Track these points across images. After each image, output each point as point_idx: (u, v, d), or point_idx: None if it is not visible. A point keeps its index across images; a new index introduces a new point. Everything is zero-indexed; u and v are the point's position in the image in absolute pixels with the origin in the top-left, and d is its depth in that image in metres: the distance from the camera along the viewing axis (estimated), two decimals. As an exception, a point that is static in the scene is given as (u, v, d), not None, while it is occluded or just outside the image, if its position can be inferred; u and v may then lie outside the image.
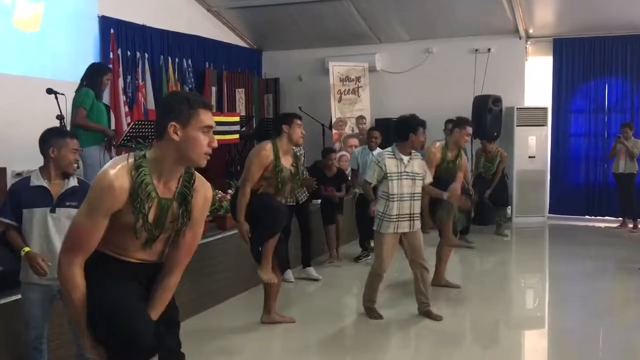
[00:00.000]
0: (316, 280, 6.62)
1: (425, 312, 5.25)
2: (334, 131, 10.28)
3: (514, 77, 10.23)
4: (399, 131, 5.14)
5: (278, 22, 10.67)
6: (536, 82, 10.37)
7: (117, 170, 2.27)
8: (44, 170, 3.49)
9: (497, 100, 9.67)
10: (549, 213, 10.21)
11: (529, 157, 9.97)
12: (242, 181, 4.76)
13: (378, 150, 7.06)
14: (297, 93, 11.00)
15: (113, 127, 7.20)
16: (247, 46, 11.45)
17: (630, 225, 9.36)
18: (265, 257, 4.84)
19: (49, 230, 3.41)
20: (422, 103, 9.67)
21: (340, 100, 10.44)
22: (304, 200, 6.67)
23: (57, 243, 3.34)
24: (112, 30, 8.08)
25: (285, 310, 5.38)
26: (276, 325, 5.13)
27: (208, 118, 2.33)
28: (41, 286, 3.44)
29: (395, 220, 5.04)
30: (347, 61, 10.65)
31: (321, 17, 10.34)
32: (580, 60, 10.11)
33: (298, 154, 5.31)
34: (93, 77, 6.05)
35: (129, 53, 8.41)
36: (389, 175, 5.01)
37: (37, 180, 3.46)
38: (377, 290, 5.31)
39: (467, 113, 8.66)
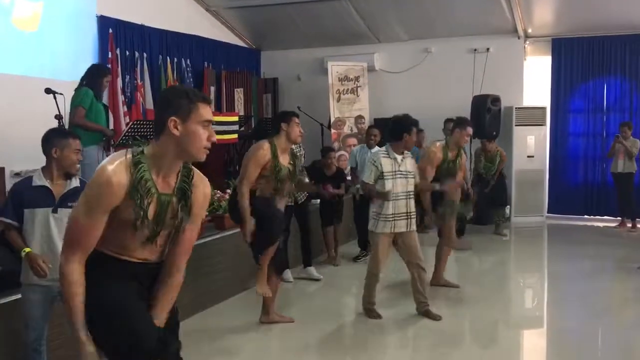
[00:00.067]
0: (317, 280, 6.62)
1: (424, 312, 5.26)
2: (332, 131, 10.28)
3: (513, 76, 10.24)
4: (393, 131, 5.18)
5: (277, 22, 10.66)
6: (535, 82, 10.36)
7: (115, 166, 2.26)
8: (46, 170, 3.49)
9: (496, 99, 9.68)
10: (548, 213, 10.22)
11: (528, 156, 9.97)
12: (240, 180, 4.75)
13: (376, 148, 7.06)
14: (296, 93, 10.99)
15: (111, 127, 7.20)
16: (245, 46, 11.44)
17: (629, 225, 9.36)
18: (262, 269, 4.85)
19: (51, 230, 3.41)
20: (420, 103, 9.68)
21: (339, 99, 10.44)
22: (302, 200, 6.68)
23: (59, 243, 3.33)
24: (110, 30, 8.07)
25: (284, 310, 5.38)
26: (275, 325, 5.14)
27: (207, 112, 2.34)
28: (41, 287, 3.43)
29: (391, 219, 5.05)
30: (345, 61, 10.66)
31: (320, 17, 10.33)
32: (579, 59, 10.12)
33: (298, 154, 5.31)
34: (93, 77, 6.05)
35: (127, 53, 8.41)
36: (384, 174, 5.03)
37: (39, 180, 3.46)
38: (375, 290, 5.32)
39: (466, 113, 8.67)
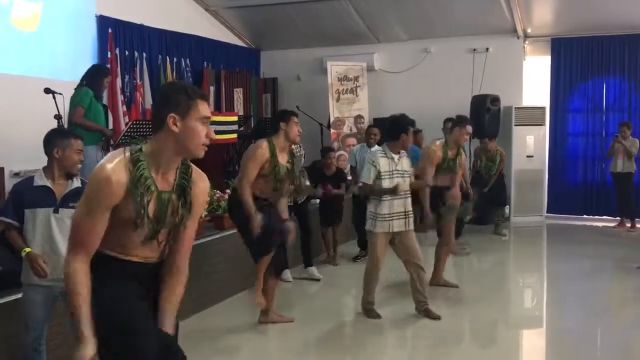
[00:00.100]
0: (318, 280, 6.62)
1: (424, 311, 5.26)
2: (332, 131, 10.28)
3: (512, 76, 10.24)
4: (390, 131, 5.20)
5: (276, 22, 10.66)
6: (534, 82, 10.36)
7: (114, 164, 2.26)
8: (47, 170, 3.49)
9: (495, 99, 9.68)
10: (547, 212, 10.22)
11: (527, 156, 9.97)
12: (240, 180, 4.75)
13: (376, 147, 7.05)
14: (296, 92, 10.98)
15: (111, 126, 7.19)
16: (245, 46, 11.43)
17: (628, 225, 9.36)
18: (258, 279, 4.87)
19: (52, 230, 3.41)
20: (420, 102, 9.69)
21: (338, 99, 10.44)
22: (302, 200, 6.68)
23: (60, 243, 3.35)
24: (110, 30, 8.06)
25: (283, 310, 5.38)
26: (274, 324, 5.13)
27: (206, 109, 2.35)
28: (43, 287, 3.43)
29: (388, 219, 5.05)
30: (345, 61, 10.65)
31: (319, 17, 10.33)
32: (578, 59, 10.12)
33: (298, 154, 5.31)
34: (93, 77, 6.06)
35: (127, 53, 8.40)
36: (382, 174, 5.04)
37: (40, 180, 3.46)
38: (374, 290, 5.33)
39: (465, 112, 8.64)
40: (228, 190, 6.07)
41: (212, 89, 10.01)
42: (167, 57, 9.13)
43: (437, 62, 10.54)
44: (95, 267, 2.33)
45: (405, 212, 5.11)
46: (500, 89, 9.84)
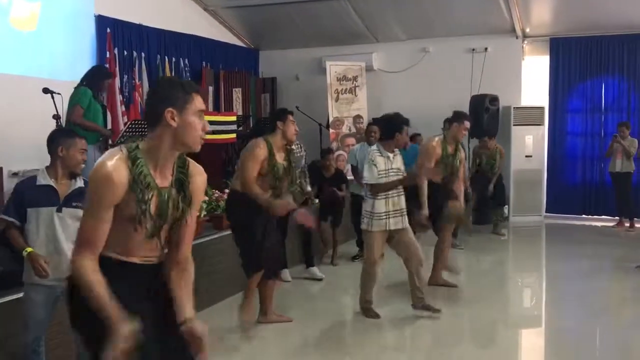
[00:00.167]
0: (320, 279, 6.62)
1: (423, 306, 5.22)
2: (331, 130, 10.27)
3: (511, 76, 10.24)
4: (385, 130, 5.21)
5: (275, 22, 10.66)
6: (533, 82, 10.37)
7: (114, 162, 2.26)
8: (50, 169, 3.48)
9: (494, 99, 9.68)
10: (546, 212, 10.22)
11: (526, 156, 9.97)
12: (243, 183, 4.67)
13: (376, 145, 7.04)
14: (294, 92, 10.99)
15: (110, 126, 7.18)
16: (244, 45, 11.43)
17: (627, 224, 9.36)
18: (247, 296, 4.88)
19: (56, 229, 3.40)
20: (419, 102, 9.69)
21: (337, 99, 10.43)
22: (302, 200, 6.67)
23: (64, 243, 3.35)
24: (108, 30, 8.06)
25: (282, 310, 5.38)
26: (273, 324, 5.13)
27: (201, 102, 2.38)
28: (44, 287, 3.41)
29: (385, 217, 5.05)
30: (344, 60, 10.65)
31: (318, 17, 10.33)
32: (577, 59, 10.12)
33: (299, 154, 5.30)
34: (94, 78, 6.05)
35: (125, 52, 8.40)
36: (379, 172, 5.04)
37: (43, 180, 3.45)
38: (372, 289, 5.32)
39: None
40: (227, 190, 6.07)
41: (210, 88, 10.01)
42: (166, 57, 9.13)
43: (436, 61, 10.54)
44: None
45: (400, 209, 5.12)
46: (499, 89, 9.84)
